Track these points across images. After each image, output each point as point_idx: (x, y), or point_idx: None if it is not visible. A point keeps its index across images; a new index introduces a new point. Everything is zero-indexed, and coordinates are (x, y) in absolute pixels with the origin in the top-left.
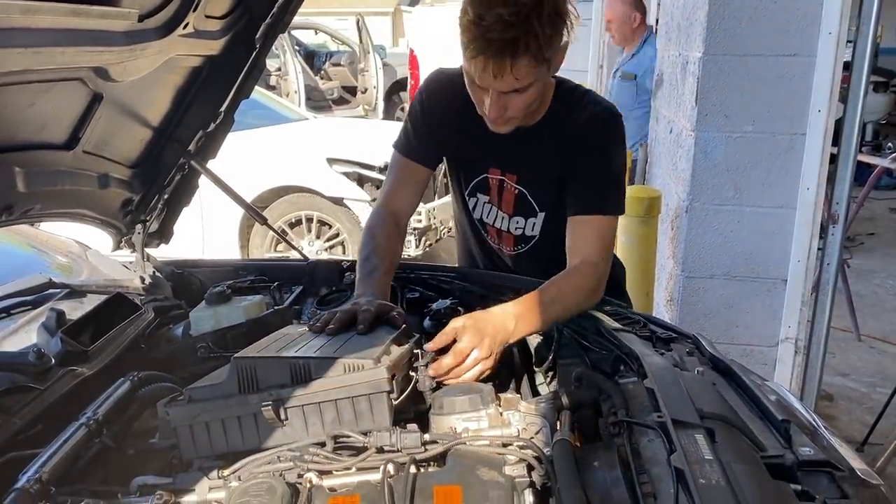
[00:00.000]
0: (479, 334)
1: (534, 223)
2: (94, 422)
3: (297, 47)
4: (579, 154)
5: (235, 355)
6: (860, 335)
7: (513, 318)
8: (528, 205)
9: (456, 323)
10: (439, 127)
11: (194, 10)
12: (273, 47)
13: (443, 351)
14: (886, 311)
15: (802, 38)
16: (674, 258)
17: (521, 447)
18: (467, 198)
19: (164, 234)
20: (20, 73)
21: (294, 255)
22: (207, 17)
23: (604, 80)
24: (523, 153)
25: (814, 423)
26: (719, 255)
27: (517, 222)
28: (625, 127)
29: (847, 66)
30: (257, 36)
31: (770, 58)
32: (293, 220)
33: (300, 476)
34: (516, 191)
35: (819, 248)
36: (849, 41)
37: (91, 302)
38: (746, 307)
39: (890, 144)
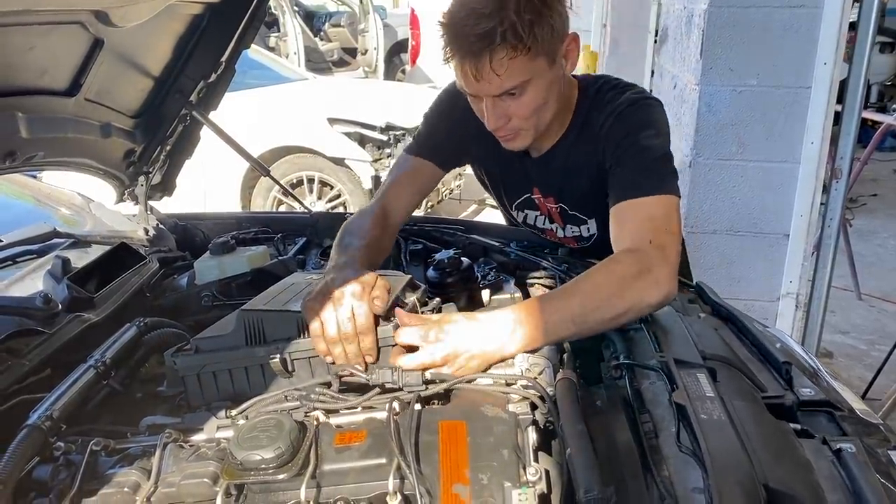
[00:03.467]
0: (449, 348)
1: (587, 227)
2: (102, 364)
3: (295, 8)
4: (610, 146)
5: (242, 307)
6: (861, 294)
7: (510, 328)
8: (573, 217)
9: (443, 321)
10: (466, 142)
11: None
12: (271, 8)
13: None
14: (887, 270)
15: None
16: None
17: (525, 386)
18: (514, 211)
19: (166, 187)
20: (21, 13)
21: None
22: None
23: (607, 39)
24: (555, 172)
25: (815, 366)
26: (722, 210)
27: (572, 230)
28: (660, 108)
29: (853, 26)
30: None
31: (776, 9)
32: (294, 181)
33: (307, 415)
34: (558, 208)
35: (822, 204)
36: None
37: (95, 252)
38: (748, 262)
39: (895, 106)
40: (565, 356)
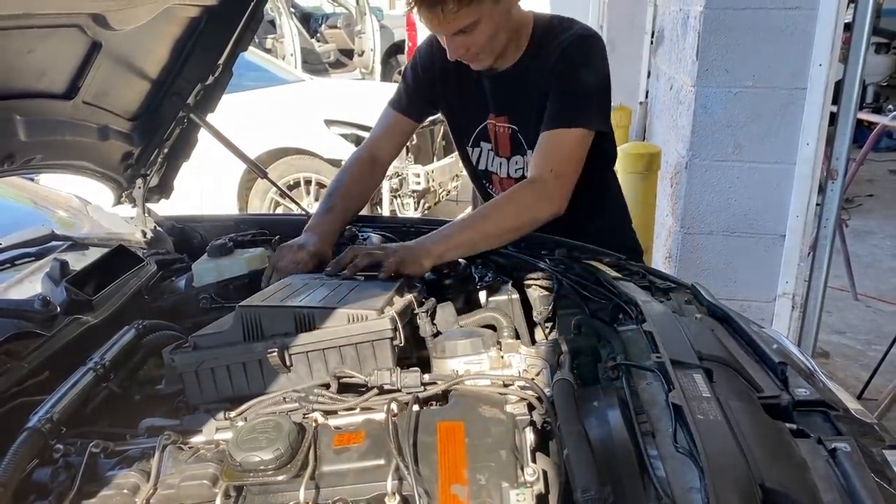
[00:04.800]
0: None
1: (527, 162)
2: (101, 367)
3: (292, 10)
4: (553, 77)
5: (240, 304)
6: (857, 294)
7: (426, 242)
8: (520, 145)
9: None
10: (433, 84)
11: None
12: (268, 10)
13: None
14: (883, 270)
15: None
16: (673, 215)
17: (522, 387)
18: (470, 149)
19: (164, 189)
20: (20, 17)
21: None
22: None
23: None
24: (509, 93)
25: (810, 367)
26: (718, 211)
27: (516, 162)
28: (601, 47)
29: (848, 27)
30: None
31: (772, 11)
32: (291, 182)
33: (305, 416)
34: (509, 130)
35: (817, 205)
36: (851, 0)
37: (93, 254)
38: (745, 263)
39: (891, 106)
40: (562, 357)
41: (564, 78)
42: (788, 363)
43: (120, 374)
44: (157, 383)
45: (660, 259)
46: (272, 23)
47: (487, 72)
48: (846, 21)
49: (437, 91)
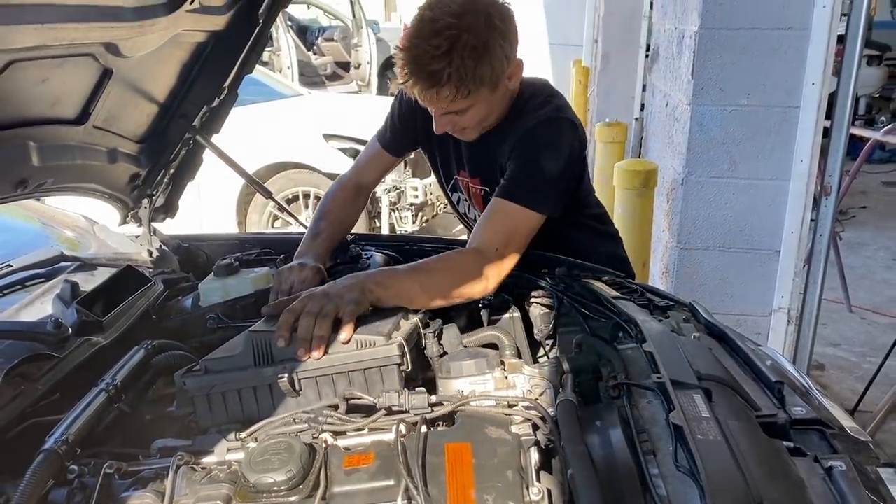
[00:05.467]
0: (313, 294)
1: None
2: (113, 388)
3: (289, 23)
4: (517, 150)
5: (251, 329)
6: (851, 306)
7: (369, 283)
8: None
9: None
10: (416, 121)
11: None
12: None
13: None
14: (877, 282)
15: (797, 11)
16: (669, 230)
17: (527, 407)
18: (450, 193)
19: (169, 209)
20: (35, 48)
21: (291, 231)
22: None
23: (598, 54)
24: (482, 156)
25: (806, 385)
26: (714, 227)
27: None
28: (571, 132)
29: (841, 40)
30: (260, 11)
31: (765, 31)
32: (290, 196)
33: (315, 437)
34: (481, 192)
35: (812, 220)
36: (843, 14)
37: (101, 275)
38: (740, 278)
39: (883, 118)
40: (565, 377)
41: (527, 157)
42: (784, 381)
43: (130, 395)
44: (167, 403)
45: (657, 274)
46: (269, 36)
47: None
48: (839, 34)
49: (420, 131)
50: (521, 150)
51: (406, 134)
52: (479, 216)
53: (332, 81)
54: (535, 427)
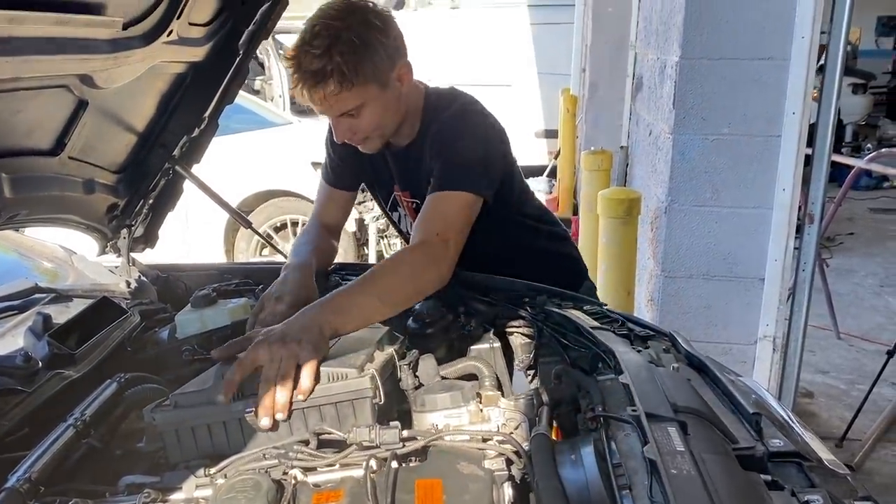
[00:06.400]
0: (267, 344)
1: None
2: (81, 422)
3: (281, 51)
4: (434, 148)
5: (221, 362)
6: (839, 333)
7: (325, 314)
8: None
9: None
10: (347, 156)
11: (178, 18)
12: (257, 52)
13: None
14: (865, 309)
15: (776, 42)
16: (654, 258)
17: (501, 442)
18: (390, 213)
19: (149, 239)
20: (7, 80)
21: (279, 259)
22: (191, 24)
23: (586, 83)
24: (409, 170)
25: (786, 416)
26: (698, 255)
27: None
28: (479, 119)
29: (822, 69)
30: (240, 42)
31: (745, 61)
32: (278, 224)
33: (285, 473)
34: (413, 205)
35: (796, 248)
36: (823, 45)
37: (77, 306)
38: (725, 306)
39: (869, 145)
40: (541, 410)
41: (443, 150)
42: (763, 413)
43: (101, 429)
44: (139, 437)
45: (642, 302)
46: (261, 65)
47: (388, 147)
48: (821, 63)
49: (354, 160)
50: (437, 148)
51: (346, 166)
52: None
53: None
54: (510, 462)
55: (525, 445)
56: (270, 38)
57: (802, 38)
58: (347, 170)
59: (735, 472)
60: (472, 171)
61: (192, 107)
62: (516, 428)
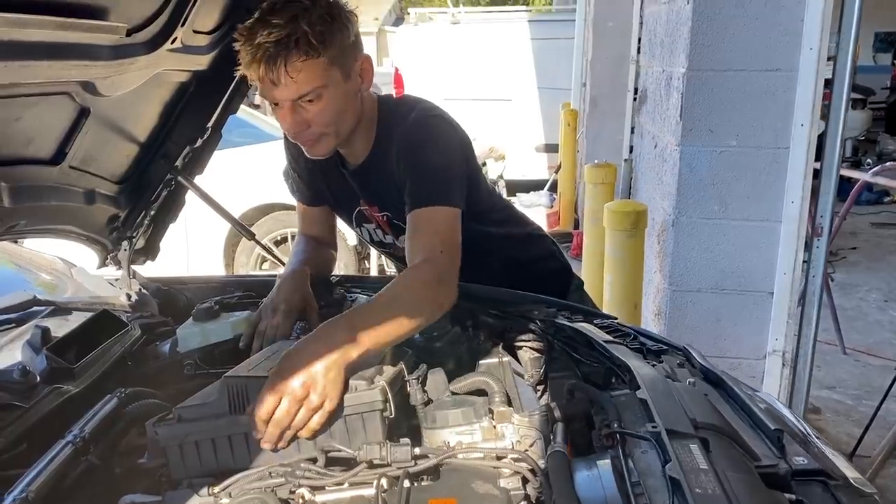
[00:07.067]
0: (285, 393)
1: None
2: (80, 440)
3: None
4: (401, 163)
5: (226, 374)
6: (845, 348)
7: (348, 351)
8: (399, 227)
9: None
10: (307, 172)
11: (182, 25)
12: None
13: None
14: (870, 323)
15: (784, 53)
16: (661, 272)
17: (516, 460)
18: (357, 229)
19: (150, 251)
20: (7, 86)
21: (275, 273)
22: (196, 32)
23: (587, 98)
24: (372, 184)
25: (805, 432)
26: (706, 268)
27: (402, 241)
28: (443, 126)
29: (828, 84)
30: None
31: (753, 73)
32: (279, 238)
33: (292, 492)
34: (384, 217)
35: (804, 262)
36: (829, 58)
37: (76, 319)
38: (733, 320)
39: (869, 160)
40: (556, 427)
41: (416, 164)
42: (784, 429)
43: (101, 446)
44: (140, 454)
45: (649, 316)
46: None
47: (343, 167)
48: (826, 77)
49: (313, 179)
50: (406, 159)
51: (310, 183)
52: (394, 239)
53: None
54: (525, 480)
55: (541, 463)
56: None
57: (811, 49)
58: (312, 187)
59: (760, 491)
60: (449, 182)
61: (196, 116)
62: (531, 445)
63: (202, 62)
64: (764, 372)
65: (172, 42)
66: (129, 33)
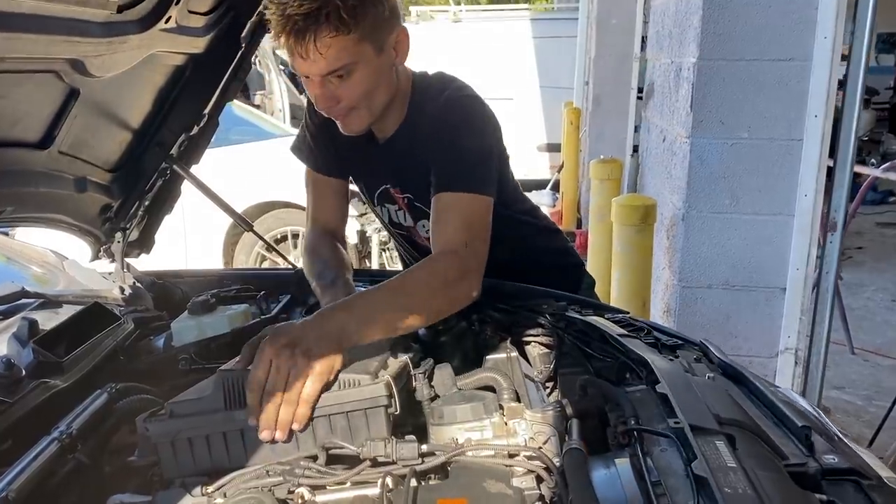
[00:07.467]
0: (274, 350)
1: None
2: (67, 436)
3: (281, 66)
4: (434, 140)
5: (221, 368)
6: (854, 348)
7: (348, 324)
8: (419, 210)
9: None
10: (332, 140)
11: (176, 4)
12: (257, 66)
13: None
14: (877, 323)
15: (798, 42)
16: (670, 268)
17: (529, 457)
18: (377, 207)
19: (144, 244)
20: None
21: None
22: (191, 12)
23: (589, 96)
24: (396, 164)
25: (831, 429)
26: (716, 264)
27: (423, 226)
28: (478, 106)
29: (841, 84)
30: (243, 35)
31: (765, 62)
32: (279, 236)
33: (291, 492)
34: (405, 199)
35: (818, 257)
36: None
37: (67, 312)
38: (745, 317)
39: (873, 160)
40: (571, 423)
41: (446, 146)
42: (812, 426)
43: (90, 443)
44: (131, 452)
45: (658, 313)
46: (262, 78)
47: (371, 143)
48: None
49: (338, 147)
50: (437, 139)
51: (332, 152)
52: (413, 223)
53: None
54: (540, 479)
55: (556, 461)
56: (271, 53)
57: (825, 37)
58: (334, 155)
59: (792, 491)
60: (482, 167)
61: (192, 103)
62: (545, 442)
63: (198, 45)
64: (776, 370)
65: (166, 21)
66: (120, 9)
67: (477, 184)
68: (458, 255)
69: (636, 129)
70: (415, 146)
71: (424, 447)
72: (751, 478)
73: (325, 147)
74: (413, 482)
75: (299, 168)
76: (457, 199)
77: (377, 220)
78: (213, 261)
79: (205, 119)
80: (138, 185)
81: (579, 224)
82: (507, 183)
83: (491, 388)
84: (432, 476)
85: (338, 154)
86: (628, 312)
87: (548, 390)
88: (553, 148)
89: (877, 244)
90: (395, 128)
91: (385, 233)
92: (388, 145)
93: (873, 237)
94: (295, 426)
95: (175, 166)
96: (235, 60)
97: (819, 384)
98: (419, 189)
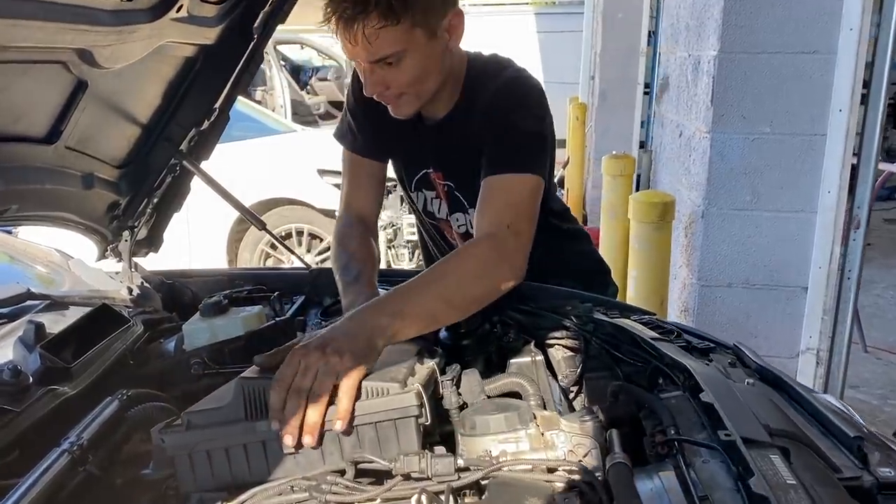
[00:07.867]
0: (304, 351)
1: (469, 218)
2: (77, 448)
3: (282, 62)
4: (490, 120)
5: (241, 375)
6: (866, 347)
7: (381, 319)
8: (458, 201)
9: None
10: (374, 121)
11: None
12: None
13: None
14: (889, 321)
15: (822, 34)
16: (688, 266)
17: (570, 472)
18: (414, 194)
19: (153, 242)
20: None
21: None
22: (203, 1)
23: (595, 91)
24: (443, 146)
25: (882, 438)
26: (736, 262)
27: (457, 219)
28: (536, 90)
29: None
30: (255, 25)
31: (788, 55)
32: (283, 234)
33: None
34: (445, 187)
35: (841, 255)
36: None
37: (74, 315)
38: (765, 317)
39: (879, 157)
40: (611, 434)
41: (501, 126)
42: (864, 437)
43: (100, 454)
44: (143, 462)
45: (675, 313)
46: (263, 74)
47: (419, 123)
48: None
49: (381, 127)
50: (491, 120)
51: (374, 131)
52: (448, 213)
53: (326, 120)
54: (582, 495)
55: (598, 475)
56: (272, 49)
57: (851, 29)
58: (375, 136)
59: None
60: (534, 148)
61: (202, 96)
62: (585, 455)
63: (209, 35)
64: (796, 371)
65: (178, 10)
66: None
67: (527, 164)
68: (496, 237)
69: (643, 124)
70: (467, 129)
71: (461, 461)
72: (812, 495)
73: (366, 127)
74: (450, 499)
75: (304, 164)
76: (505, 181)
77: (384, 218)
78: (216, 258)
79: (215, 113)
80: (147, 181)
81: (584, 221)
82: (550, 178)
83: (517, 395)
84: (467, 492)
85: (380, 134)
86: (655, 314)
87: (572, 394)
88: (558, 144)
89: (885, 240)
90: (446, 110)
91: (391, 231)
92: (437, 127)
93: (881, 233)
94: (338, 426)
95: (185, 162)
96: (247, 52)
97: (841, 385)
98: (463, 175)
